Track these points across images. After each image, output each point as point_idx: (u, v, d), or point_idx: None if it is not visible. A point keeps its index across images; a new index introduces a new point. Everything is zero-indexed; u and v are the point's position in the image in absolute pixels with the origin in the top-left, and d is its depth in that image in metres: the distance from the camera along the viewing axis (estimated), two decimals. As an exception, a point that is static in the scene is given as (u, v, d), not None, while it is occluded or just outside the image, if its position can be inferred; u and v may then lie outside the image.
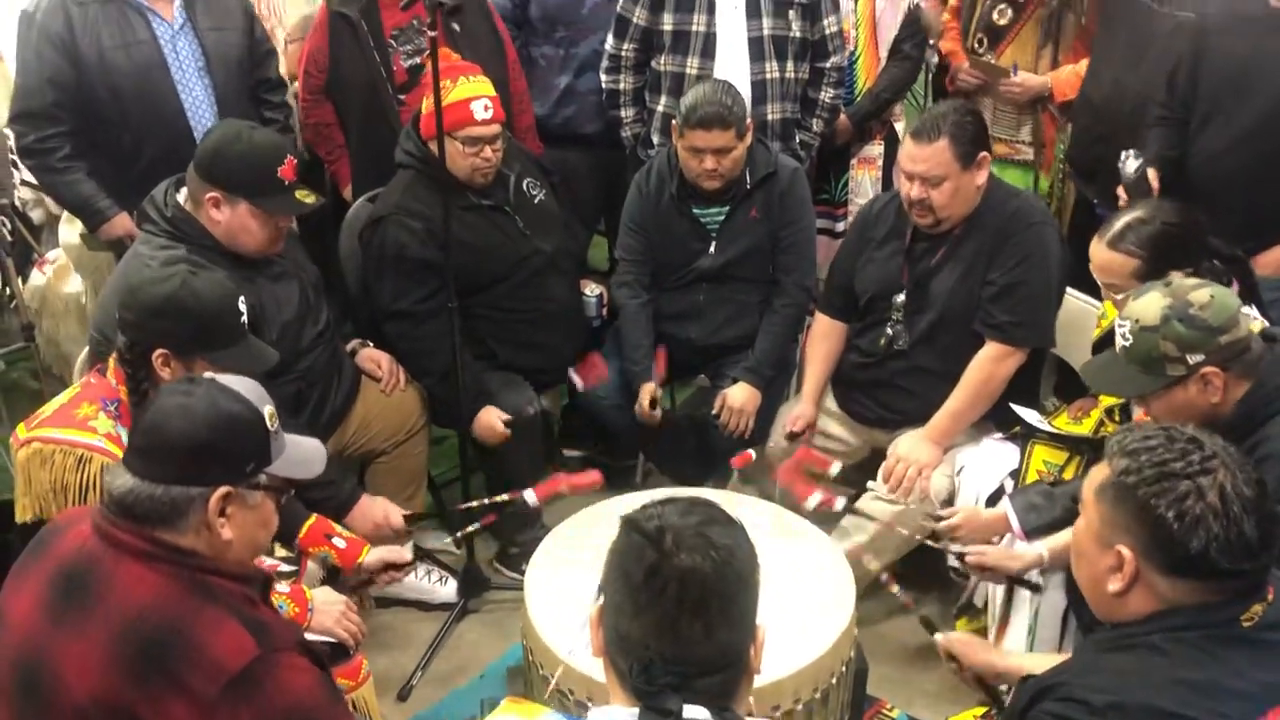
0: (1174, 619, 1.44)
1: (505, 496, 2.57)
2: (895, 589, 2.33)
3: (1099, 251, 2.34)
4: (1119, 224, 2.32)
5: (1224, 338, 1.88)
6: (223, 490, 1.56)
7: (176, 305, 2.03)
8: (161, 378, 2.04)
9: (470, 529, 2.69)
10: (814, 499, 2.50)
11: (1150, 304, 1.94)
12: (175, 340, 2.04)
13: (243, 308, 2.13)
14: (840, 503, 2.53)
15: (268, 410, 1.65)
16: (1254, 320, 2.24)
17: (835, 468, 2.67)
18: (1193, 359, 1.89)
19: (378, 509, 2.58)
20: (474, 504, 2.64)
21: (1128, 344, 1.96)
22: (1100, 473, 1.50)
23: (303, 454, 1.76)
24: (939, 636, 2.09)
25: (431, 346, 2.88)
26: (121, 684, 1.46)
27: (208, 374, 1.67)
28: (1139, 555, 1.44)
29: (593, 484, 2.54)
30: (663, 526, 1.24)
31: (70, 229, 3.46)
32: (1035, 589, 2.33)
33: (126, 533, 1.53)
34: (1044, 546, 2.27)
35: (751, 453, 2.74)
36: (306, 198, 2.54)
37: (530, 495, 2.52)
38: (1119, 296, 2.32)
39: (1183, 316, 1.89)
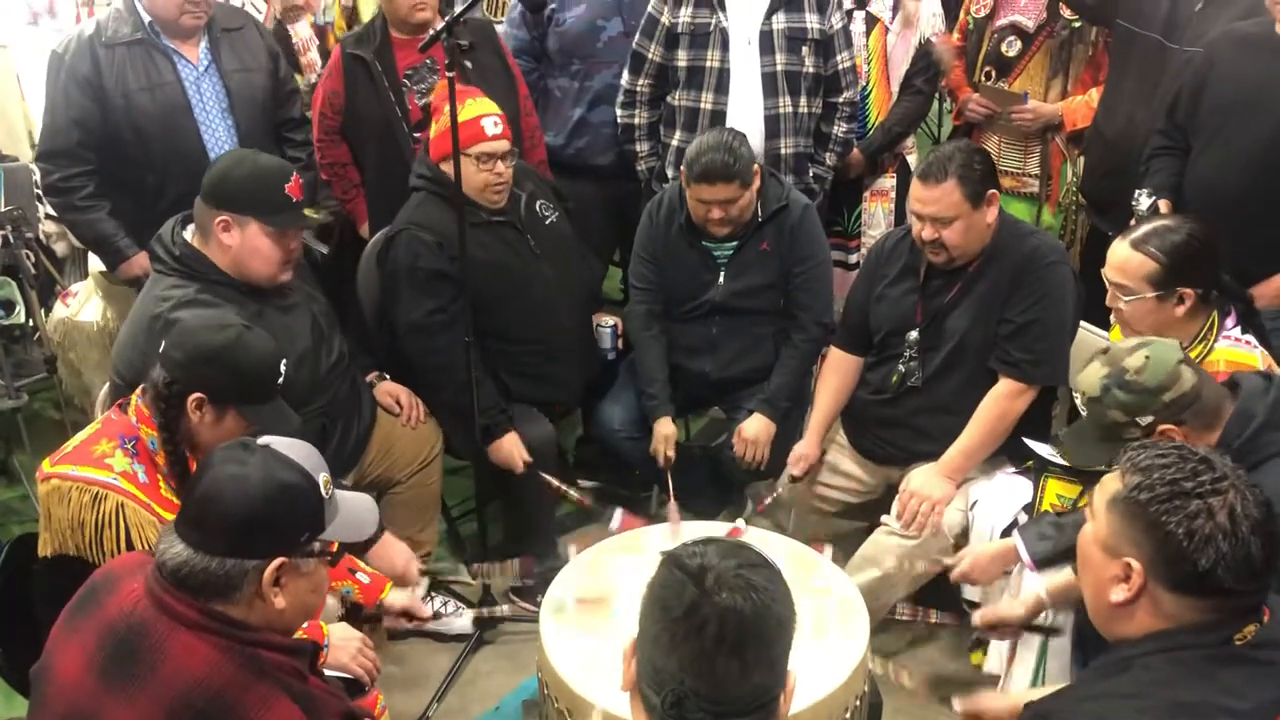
0: (1170, 639, 1.47)
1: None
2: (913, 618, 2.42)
3: (1119, 250, 2.36)
4: (1147, 227, 2.36)
5: (1166, 396, 1.93)
6: (277, 562, 1.56)
7: (228, 357, 2.06)
8: (191, 420, 2.07)
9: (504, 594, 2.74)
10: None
11: (1090, 376, 2.03)
12: (216, 389, 2.05)
13: (283, 369, 2.16)
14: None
15: (323, 477, 1.64)
16: (1255, 353, 2.26)
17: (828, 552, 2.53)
18: (1143, 420, 1.95)
19: (399, 557, 2.50)
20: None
21: (1085, 415, 2.04)
22: (1113, 484, 1.53)
23: (354, 515, 1.75)
24: (957, 704, 2.08)
25: (448, 361, 2.91)
26: None
27: (262, 439, 1.66)
28: (1146, 570, 1.47)
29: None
30: (705, 565, 1.25)
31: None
32: (1053, 633, 2.33)
33: (180, 602, 1.52)
34: (1042, 588, 2.26)
35: (742, 526, 2.66)
36: (314, 213, 2.58)
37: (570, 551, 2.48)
38: (1126, 299, 2.33)
39: (1120, 383, 1.96)
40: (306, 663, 1.61)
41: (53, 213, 3.64)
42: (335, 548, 1.69)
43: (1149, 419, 1.94)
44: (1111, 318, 2.62)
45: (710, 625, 1.21)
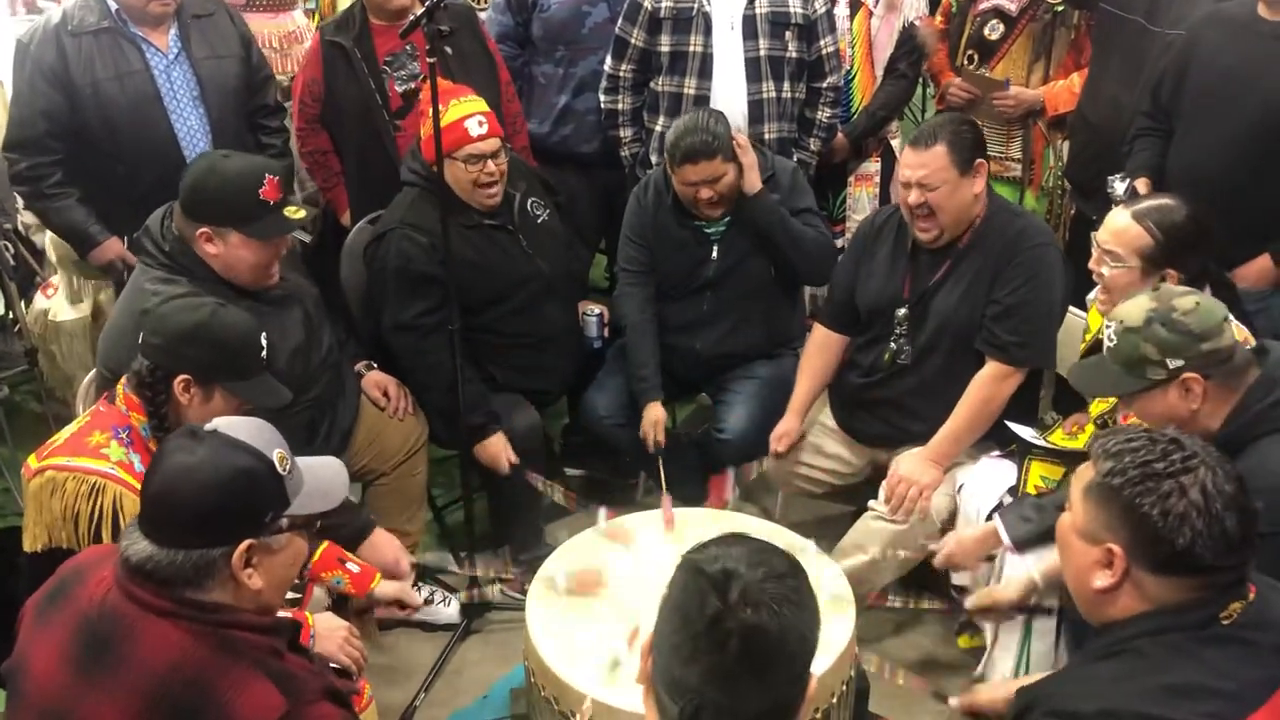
0: (1156, 620, 1.48)
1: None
2: (887, 603, 2.41)
3: (1117, 217, 2.36)
4: (1150, 201, 2.36)
5: (1205, 345, 1.90)
6: (244, 545, 1.53)
7: (207, 333, 2.06)
8: (180, 403, 2.06)
9: (491, 581, 2.73)
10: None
11: (1136, 306, 1.97)
12: (200, 367, 2.05)
13: (264, 342, 2.15)
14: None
15: (277, 454, 1.60)
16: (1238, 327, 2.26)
17: None
18: (1173, 364, 1.90)
19: (389, 550, 2.48)
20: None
21: (1112, 344, 1.99)
22: (1087, 473, 1.54)
23: (322, 483, 1.71)
24: (953, 701, 2.08)
25: (436, 360, 2.89)
26: None
27: (210, 423, 1.63)
28: (1126, 553, 1.48)
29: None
30: (729, 573, 1.21)
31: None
32: (1048, 612, 2.33)
33: (149, 593, 1.51)
34: (1036, 571, 2.27)
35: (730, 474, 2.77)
36: (295, 213, 2.50)
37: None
38: (1113, 265, 2.33)
39: (1165, 320, 1.91)
40: (285, 641, 1.59)
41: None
42: (306, 520, 1.65)
43: (1180, 363, 1.89)
44: (1088, 299, 2.63)
45: (733, 641, 1.18)
